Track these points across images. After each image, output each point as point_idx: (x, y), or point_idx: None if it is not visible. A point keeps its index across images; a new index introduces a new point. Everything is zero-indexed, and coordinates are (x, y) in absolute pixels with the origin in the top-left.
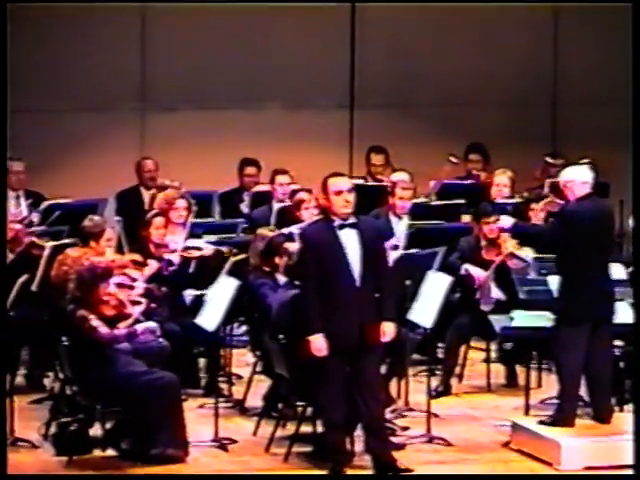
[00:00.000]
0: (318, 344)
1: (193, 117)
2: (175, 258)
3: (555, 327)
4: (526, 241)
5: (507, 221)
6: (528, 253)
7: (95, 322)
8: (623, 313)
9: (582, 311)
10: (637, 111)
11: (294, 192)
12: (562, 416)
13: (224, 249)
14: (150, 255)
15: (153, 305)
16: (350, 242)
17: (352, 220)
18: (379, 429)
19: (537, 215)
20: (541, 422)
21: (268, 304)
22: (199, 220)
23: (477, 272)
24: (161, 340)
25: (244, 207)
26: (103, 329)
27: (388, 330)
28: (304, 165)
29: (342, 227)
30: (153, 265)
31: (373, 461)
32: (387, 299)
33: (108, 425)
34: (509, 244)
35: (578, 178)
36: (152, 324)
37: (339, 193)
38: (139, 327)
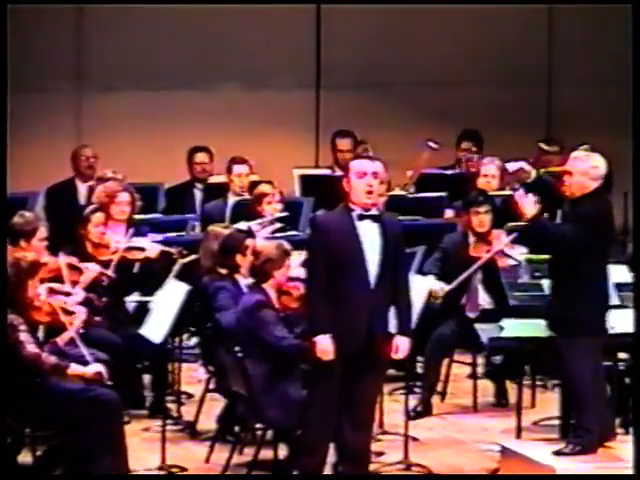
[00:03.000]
0: (325, 346)
1: (137, 99)
2: (109, 271)
3: (561, 336)
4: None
5: (501, 240)
6: (521, 252)
7: (24, 336)
8: (629, 321)
9: (602, 319)
10: (637, 112)
11: (254, 184)
12: (585, 441)
13: (172, 249)
14: (87, 256)
15: (97, 318)
16: (369, 237)
17: (374, 212)
18: (362, 459)
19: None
20: (558, 453)
21: (217, 319)
22: (144, 216)
23: (437, 286)
24: (99, 353)
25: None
26: (30, 347)
27: (402, 346)
28: (265, 153)
29: (362, 218)
30: (91, 270)
31: None
32: (404, 310)
33: (39, 451)
34: (501, 241)
35: (597, 170)
36: (98, 367)
37: (362, 176)
38: (74, 367)
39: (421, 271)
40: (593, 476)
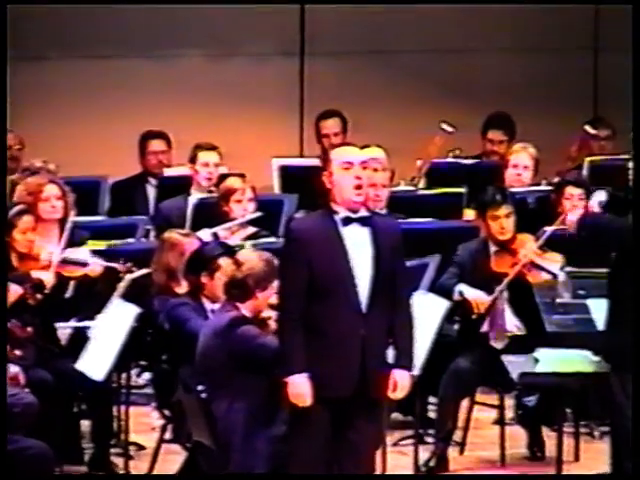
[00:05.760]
0: (300, 388)
1: (75, 69)
2: (48, 278)
3: (614, 370)
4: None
5: (528, 248)
6: (557, 261)
7: None
8: None
9: None
10: (637, 116)
11: (221, 178)
12: None
13: (117, 265)
14: (11, 271)
15: (17, 352)
16: (358, 246)
17: (364, 213)
18: None
19: (574, 206)
20: None
21: (189, 330)
22: (82, 218)
23: (476, 296)
24: (24, 394)
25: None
26: None
27: (401, 382)
28: (235, 138)
29: (348, 222)
30: (14, 291)
31: None
32: (404, 337)
33: None
34: (528, 248)
35: None
36: (12, 368)
37: (348, 167)
38: None
39: (433, 288)
40: (593, 476)
